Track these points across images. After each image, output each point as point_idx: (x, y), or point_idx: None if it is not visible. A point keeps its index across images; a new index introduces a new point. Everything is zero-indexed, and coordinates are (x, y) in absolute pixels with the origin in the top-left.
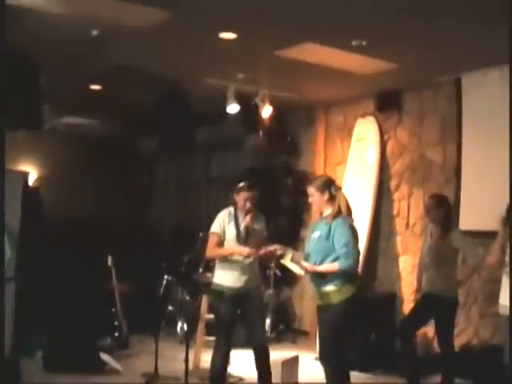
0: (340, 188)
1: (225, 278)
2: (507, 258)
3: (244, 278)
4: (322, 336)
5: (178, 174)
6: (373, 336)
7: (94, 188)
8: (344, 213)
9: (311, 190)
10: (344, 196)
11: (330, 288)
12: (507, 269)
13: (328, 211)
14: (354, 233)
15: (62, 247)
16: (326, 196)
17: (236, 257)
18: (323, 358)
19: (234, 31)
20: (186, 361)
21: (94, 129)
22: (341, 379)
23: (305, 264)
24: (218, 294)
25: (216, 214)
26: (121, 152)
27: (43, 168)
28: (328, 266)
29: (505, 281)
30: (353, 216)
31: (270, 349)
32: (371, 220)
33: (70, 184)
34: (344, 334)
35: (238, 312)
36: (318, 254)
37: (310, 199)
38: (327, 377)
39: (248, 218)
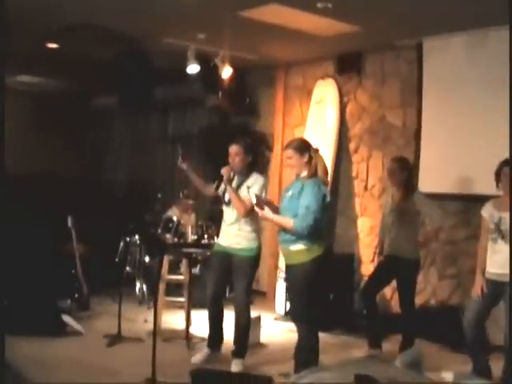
0: (317, 150)
1: (222, 235)
2: (492, 225)
3: (230, 237)
4: (290, 295)
5: (135, 133)
6: (331, 296)
7: (49, 147)
8: (320, 175)
9: (289, 152)
10: (321, 158)
11: (297, 247)
12: (493, 236)
13: (305, 173)
14: (322, 197)
15: (19, 208)
16: (306, 158)
17: (224, 215)
18: (293, 316)
19: None
20: (155, 320)
21: (49, 87)
22: (310, 336)
23: (259, 211)
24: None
25: (172, 173)
26: (77, 110)
27: None
28: (283, 219)
29: (491, 248)
30: (325, 178)
31: (227, 310)
32: (330, 181)
33: (24, 143)
34: (313, 292)
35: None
36: (288, 212)
37: (289, 161)
38: (298, 334)
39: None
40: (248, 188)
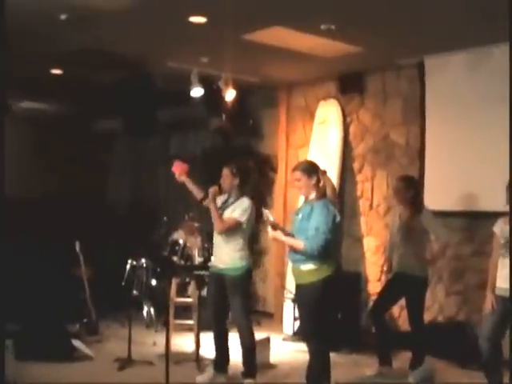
0: (325, 172)
1: (214, 256)
2: (502, 241)
3: (218, 257)
4: (300, 315)
5: (138, 156)
6: (339, 315)
7: (53, 171)
8: (329, 196)
9: (298, 174)
10: (329, 179)
11: (308, 267)
12: (502, 251)
13: (313, 195)
14: (332, 218)
15: (27, 234)
16: (314, 180)
17: (214, 234)
18: (304, 336)
19: (203, 15)
20: (167, 343)
21: (52, 112)
22: (321, 356)
23: (271, 232)
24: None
25: (174, 196)
26: (80, 134)
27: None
28: (293, 241)
29: (501, 264)
30: (335, 199)
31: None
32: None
33: (27, 169)
34: (323, 312)
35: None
36: (300, 234)
37: (297, 183)
38: (309, 353)
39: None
40: (233, 210)
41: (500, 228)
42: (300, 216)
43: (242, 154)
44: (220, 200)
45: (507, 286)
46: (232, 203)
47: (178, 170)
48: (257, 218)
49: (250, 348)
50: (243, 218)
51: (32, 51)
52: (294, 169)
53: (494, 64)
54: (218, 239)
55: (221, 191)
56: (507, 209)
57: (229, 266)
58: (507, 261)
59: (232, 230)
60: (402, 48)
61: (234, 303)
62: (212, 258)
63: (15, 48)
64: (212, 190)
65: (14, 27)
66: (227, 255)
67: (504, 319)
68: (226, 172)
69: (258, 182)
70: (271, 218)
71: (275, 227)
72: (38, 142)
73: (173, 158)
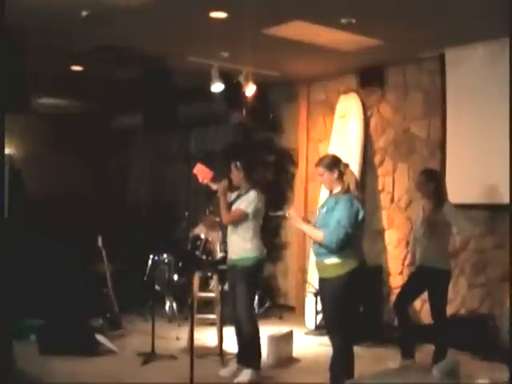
0: (347, 165)
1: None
2: None
3: (231, 250)
4: (324, 308)
5: (158, 152)
6: (361, 309)
7: (74, 168)
8: (352, 190)
9: (320, 169)
10: (352, 173)
11: (332, 261)
12: None
13: (337, 189)
14: (355, 213)
15: (49, 229)
16: (336, 174)
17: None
18: (327, 330)
19: (224, 10)
20: (192, 337)
21: (72, 109)
22: (345, 349)
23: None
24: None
25: (195, 191)
26: (100, 131)
27: (21, 149)
28: (313, 231)
29: None
30: (359, 192)
31: (259, 325)
32: None
33: (48, 164)
34: (348, 306)
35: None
36: (324, 227)
37: (320, 178)
38: (333, 347)
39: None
40: (240, 203)
41: None
42: (325, 210)
43: (262, 149)
44: (234, 195)
45: None
46: (241, 196)
47: (202, 174)
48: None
49: (251, 338)
50: (249, 209)
51: (53, 48)
52: (316, 164)
53: None
54: (230, 231)
55: (231, 186)
56: None
57: (239, 256)
58: None
59: (239, 221)
60: (422, 41)
61: (238, 292)
62: (220, 251)
63: (36, 44)
64: (222, 183)
65: (35, 24)
66: (237, 246)
67: None
68: (232, 167)
69: (262, 173)
70: (286, 213)
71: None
72: (58, 139)
73: (193, 154)
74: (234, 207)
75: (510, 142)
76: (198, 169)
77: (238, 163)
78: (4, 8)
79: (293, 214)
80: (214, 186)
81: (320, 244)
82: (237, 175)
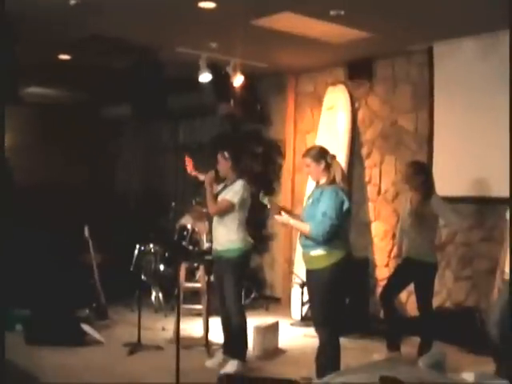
0: (334, 157)
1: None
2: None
3: (217, 240)
4: (310, 300)
5: (146, 142)
6: (347, 300)
7: (62, 158)
8: (338, 181)
9: (307, 160)
10: (339, 164)
11: (317, 252)
12: None
13: (323, 180)
14: (340, 203)
15: (36, 219)
16: (322, 165)
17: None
18: (314, 321)
19: (213, 0)
20: (177, 328)
21: (61, 98)
22: (332, 341)
23: (279, 216)
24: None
25: (184, 181)
26: (88, 121)
27: (9, 139)
28: (300, 224)
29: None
30: (345, 184)
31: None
32: None
33: (36, 154)
34: (334, 297)
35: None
36: (309, 219)
37: (307, 170)
38: (319, 339)
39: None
40: (226, 193)
41: (510, 214)
42: (310, 201)
43: (250, 140)
44: (221, 186)
45: None
46: (227, 187)
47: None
48: (264, 204)
49: (239, 330)
50: (235, 199)
51: (41, 36)
52: (303, 155)
53: (503, 50)
54: (215, 222)
55: (218, 177)
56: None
57: (225, 247)
58: None
59: (226, 211)
60: (411, 34)
61: (226, 286)
62: (206, 241)
63: (23, 33)
64: (208, 174)
65: (22, 12)
66: (223, 237)
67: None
68: (219, 158)
69: (250, 164)
70: (268, 204)
71: (279, 211)
72: (46, 129)
73: (181, 144)
74: (220, 197)
75: (510, 137)
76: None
77: (226, 153)
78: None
79: (278, 218)
80: (201, 177)
81: (307, 237)
82: (224, 165)
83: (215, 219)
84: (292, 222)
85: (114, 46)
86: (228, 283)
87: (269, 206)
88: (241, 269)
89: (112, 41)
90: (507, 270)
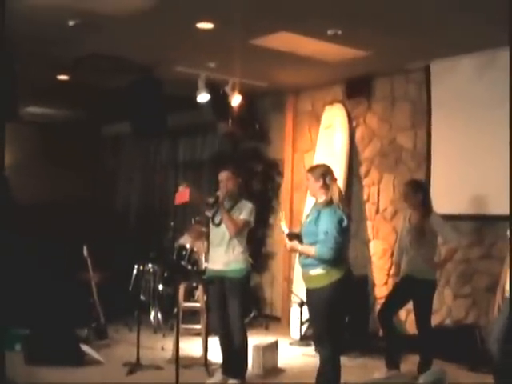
0: (335, 179)
1: (210, 260)
2: None
3: (220, 260)
4: (311, 319)
5: (145, 161)
6: (347, 319)
7: (61, 177)
8: (336, 202)
9: (308, 175)
10: (338, 187)
11: (317, 272)
12: None
13: (322, 198)
14: (339, 223)
15: (34, 238)
16: (320, 184)
17: (212, 237)
18: (315, 341)
19: (211, 21)
20: (177, 347)
21: (60, 117)
22: (332, 360)
23: (288, 243)
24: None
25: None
26: (87, 140)
27: (8, 157)
28: (306, 248)
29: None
30: (344, 206)
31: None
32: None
33: (35, 172)
34: (334, 316)
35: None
36: (308, 237)
37: (307, 183)
38: (320, 358)
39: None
40: (239, 212)
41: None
42: (308, 220)
43: (249, 159)
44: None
45: None
46: (233, 206)
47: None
48: (263, 223)
49: (241, 349)
50: (251, 218)
51: (40, 56)
52: (307, 170)
53: (499, 67)
54: (220, 242)
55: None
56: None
57: (230, 267)
58: None
59: (243, 231)
60: (409, 52)
61: (232, 305)
62: (209, 262)
63: (22, 53)
64: (221, 193)
65: (22, 32)
66: (231, 257)
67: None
68: (226, 175)
69: (249, 182)
70: (287, 231)
71: (291, 238)
72: (45, 147)
73: (181, 162)
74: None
75: (510, 153)
76: (176, 198)
77: (233, 170)
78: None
79: (289, 244)
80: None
81: (314, 258)
82: (233, 182)
83: (219, 239)
84: (300, 247)
85: (113, 64)
86: (233, 303)
87: (286, 231)
88: (245, 288)
89: (111, 59)
90: (507, 287)
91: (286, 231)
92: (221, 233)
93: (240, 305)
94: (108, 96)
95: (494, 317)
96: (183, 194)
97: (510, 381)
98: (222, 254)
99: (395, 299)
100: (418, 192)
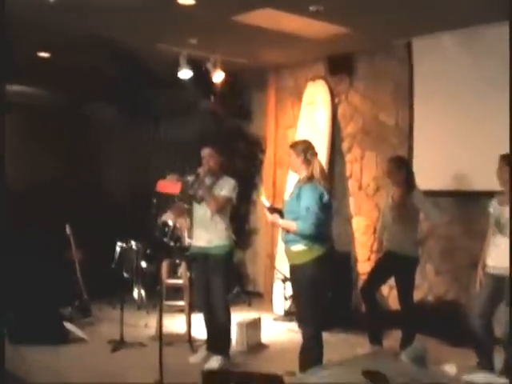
0: (316, 154)
1: (194, 237)
2: (493, 220)
3: (204, 237)
4: (294, 295)
5: (128, 139)
6: (330, 295)
7: (43, 157)
8: (316, 178)
9: (290, 151)
10: (319, 162)
11: (298, 248)
12: (493, 229)
13: (303, 174)
14: (320, 198)
15: (18, 218)
16: (301, 159)
17: (195, 214)
18: (297, 317)
19: None
20: (160, 324)
21: (40, 97)
22: (315, 336)
23: (269, 216)
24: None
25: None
26: (70, 120)
27: None
28: (288, 223)
29: (491, 243)
30: (325, 182)
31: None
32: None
33: (16, 154)
34: (316, 292)
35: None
36: (289, 214)
37: (289, 159)
38: (303, 334)
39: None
40: (220, 189)
41: (493, 207)
42: (290, 197)
43: (231, 136)
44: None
45: (495, 264)
46: (215, 183)
47: (169, 189)
48: (246, 199)
49: (224, 325)
50: (233, 195)
51: (20, 35)
52: (289, 145)
53: (482, 44)
54: (203, 218)
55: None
56: (498, 188)
57: (213, 244)
58: (497, 240)
59: (225, 207)
60: (391, 29)
61: (215, 282)
62: (193, 239)
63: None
64: (202, 170)
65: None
66: (214, 234)
67: (494, 296)
68: (208, 152)
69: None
70: (267, 204)
71: (272, 211)
72: (28, 127)
73: (163, 141)
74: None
75: (509, 133)
76: (162, 186)
77: (216, 149)
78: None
79: (270, 218)
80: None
81: (296, 233)
82: (215, 161)
83: (203, 216)
84: (281, 222)
85: (94, 43)
86: (217, 280)
87: (267, 204)
88: (229, 265)
89: (92, 39)
90: (489, 262)
91: (267, 205)
92: (203, 210)
93: (223, 281)
94: (91, 76)
95: (475, 292)
96: (174, 186)
97: (490, 355)
98: (205, 231)
99: (377, 275)
100: (401, 168)
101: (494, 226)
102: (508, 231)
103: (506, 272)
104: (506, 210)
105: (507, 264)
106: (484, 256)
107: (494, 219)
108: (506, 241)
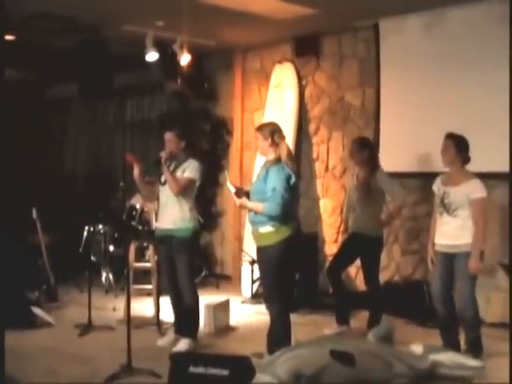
0: (284, 137)
1: (159, 219)
2: (437, 200)
3: (167, 219)
4: (261, 277)
5: (94, 121)
6: (297, 276)
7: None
8: (284, 160)
9: (257, 134)
10: (286, 145)
11: (266, 229)
12: (440, 209)
13: (271, 156)
14: (287, 180)
15: None
16: (268, 142)
17: (160, 196)
18: (265, 297)
19: None
20: (128, 308)
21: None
22: (282, 317)
23: (237, 200)
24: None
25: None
26: (34, 101)
27: None
28: (255, 205)
29: (438, 221)
30: (292, 164)
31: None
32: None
33: None
34: (283, 273)
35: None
36: (256, 195)
37: (257, 143)
38: (270, 315)
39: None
40: (183, 171)
41: (437, 187)
42: (257, 179)
43: (197, 118)
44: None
45: (443, 242)
46: (179, 166)
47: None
48: (213, 182)
49: (192, 308)
50: (196, 176)
51: None
52: (255, 129)
53: (448, 26)
54: (167, 200)
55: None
56: (447, 169)
57: (178, 226)
58: (444, 219)
59: (187, 189)
60: (357, 10)
61: (180, 264)
62: (158, 221)
63: None
64: (163, 153)
65: None
66: (178, 216)
67: (447, 274)
68: (170, 136)
69: (198, 141)
70: (233, 190)
71: (239, 195)
72: None
73: (129, 123)
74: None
75: (509, 117)
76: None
77: (177, 132)
78: None
79: (238, 201)
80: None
81: (263, 214)
82: (175, 144)
83: (167, 198)
84: (249, 204)
85: (59, 24)
86: (182, 262)
87: (232, 190)
88: (193, 247)
89: (56, 19)
90: (438, 241)
91: (233, 190)
92: (167, 192)
93: (188, 263)
94: (54, 57)
95: (431, 273)
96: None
97: (453, 333)
98: (170, 213)
99: (343, 256)
100: (364, 149)
101: (438, 206)
102: (456, 212)
103: (455, 249)
104: (452, 190)
105: (455, 242)
106: (433, 235)
107: (438, 199)
108: (454, 220)
